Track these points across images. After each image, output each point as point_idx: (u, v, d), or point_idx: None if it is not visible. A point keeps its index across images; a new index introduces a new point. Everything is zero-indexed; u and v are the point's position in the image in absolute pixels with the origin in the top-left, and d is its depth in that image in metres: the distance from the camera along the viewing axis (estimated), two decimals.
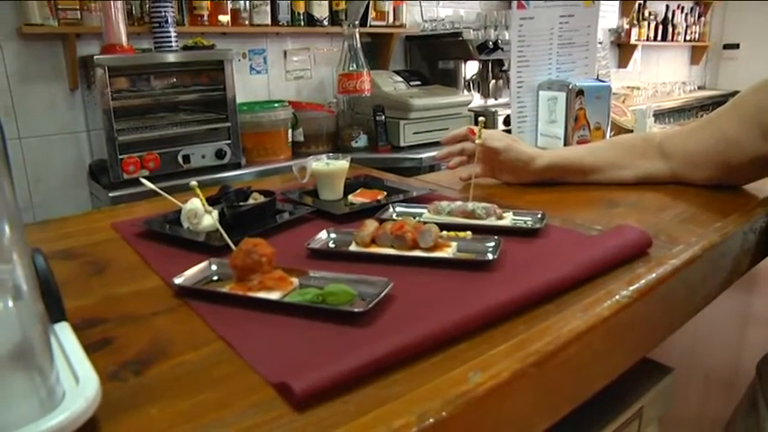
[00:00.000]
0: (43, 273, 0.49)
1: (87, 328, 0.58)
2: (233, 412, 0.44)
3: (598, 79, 1.51)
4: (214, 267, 0.71)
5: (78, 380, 0.42)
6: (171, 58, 2.22)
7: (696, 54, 5.65)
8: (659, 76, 5.19)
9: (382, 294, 0.60)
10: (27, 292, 0.42)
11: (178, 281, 0.67)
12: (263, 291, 0.64)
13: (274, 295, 0.63)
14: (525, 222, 0.87)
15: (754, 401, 0.93)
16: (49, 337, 0.43)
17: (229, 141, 2.30)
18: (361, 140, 2.70)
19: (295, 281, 0.66)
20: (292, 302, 0.61)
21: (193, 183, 0.77)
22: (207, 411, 0.45)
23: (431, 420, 0.42)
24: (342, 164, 1.04)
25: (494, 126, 2.81)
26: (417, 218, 0.87)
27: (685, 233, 0.82)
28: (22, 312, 0.43)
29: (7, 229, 0.41)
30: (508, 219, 0.88)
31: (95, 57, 1.99)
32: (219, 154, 2.27)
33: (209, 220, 0.86)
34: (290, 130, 2.57)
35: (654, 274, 0.67)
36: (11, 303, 0.42)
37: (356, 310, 0.58)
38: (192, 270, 0.70)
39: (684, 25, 5.21)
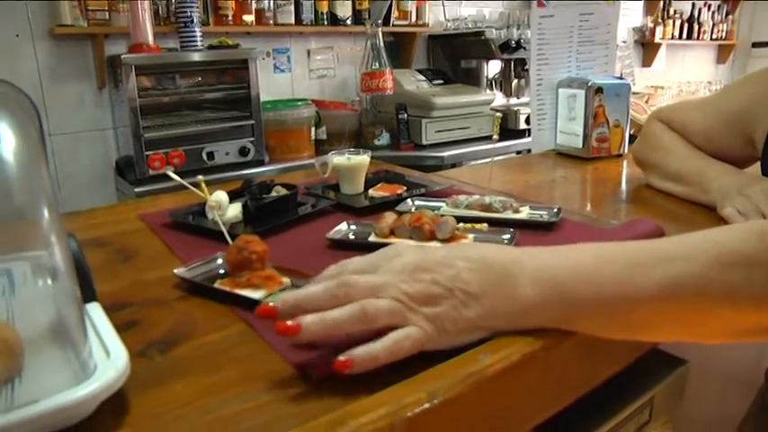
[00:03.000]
0: (77, 255, 0.52)
1: (115, 311, 0.61)
2: (253, 388, 0.47)
3: (618, 77, 1.52)
4: (219, 261, 0.72)
5: (109, 354, 0.44)
6: (196, 57, 2.26)
7: (723, 53, 5.57)
8: (684, 75, 5.12)
9: None
10: (63, 273, 0.45)
11: (178, 271, 0.68)
12: (249, 288, 0.63)
13: (257, 294, 0.62)
14: (541, 216, 0.89)
15: (764, 404, 0.94)
16: (82, 314, 0.45)
17: (253, 139, 2.33)
18: (384, 138, 2.71)
19: (286, 281, 0.65)
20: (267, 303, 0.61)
21: (200, 177, 0.80)
22: (228, 387, 0.47)
23: (441, 398, 0.44)
24: (363, 158, 1.06)
25: (515, 124, 2.80)
26: (435, 211, 0.89)
27: (700, 224, 0.83)
28: (58, 292, 0.46)
29: (47, 214, 0.44)
30: (525, 212, 0.90)
31: (123, 56, 2.03)
32: (243, 151, 2.31)
33: (234, 211, 0.89)
34: (313, 129, 2.60)
35: None
36: (50, 282, 0.45)
37: None
38: (200, 261, 0.71)
39: (711, 23, 5.14)
